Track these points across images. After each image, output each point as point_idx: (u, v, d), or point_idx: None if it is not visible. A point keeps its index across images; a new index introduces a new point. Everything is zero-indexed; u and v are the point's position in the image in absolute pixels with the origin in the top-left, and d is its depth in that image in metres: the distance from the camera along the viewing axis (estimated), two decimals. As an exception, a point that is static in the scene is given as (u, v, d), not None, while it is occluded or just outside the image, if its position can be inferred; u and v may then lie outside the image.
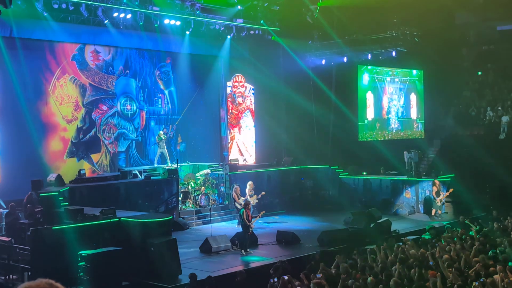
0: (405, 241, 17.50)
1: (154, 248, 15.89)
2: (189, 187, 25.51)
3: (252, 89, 32.08)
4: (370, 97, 32.47)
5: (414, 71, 34.95)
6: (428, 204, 25.75)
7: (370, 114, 32.53)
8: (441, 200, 25.42)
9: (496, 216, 22.04)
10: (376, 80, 32.96)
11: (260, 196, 23.47)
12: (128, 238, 16.23)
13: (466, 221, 20.85)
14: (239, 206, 22.63)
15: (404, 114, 34.67)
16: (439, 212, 25.34)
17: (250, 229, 19.18)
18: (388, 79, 33.70)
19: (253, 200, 23.04)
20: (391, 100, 33.77)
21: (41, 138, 24.74)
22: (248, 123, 32.05)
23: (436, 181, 25.63)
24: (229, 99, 31.14)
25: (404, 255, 15.07)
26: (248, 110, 32.07)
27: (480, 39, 35.29)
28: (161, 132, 27.58)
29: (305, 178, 29.22)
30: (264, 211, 21.43)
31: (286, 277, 12.94)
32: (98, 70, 26.62)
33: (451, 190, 25.66)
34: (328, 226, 22.34)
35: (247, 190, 23.62)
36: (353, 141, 31.54)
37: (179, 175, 24.75)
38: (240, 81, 31.74)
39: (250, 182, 24.10)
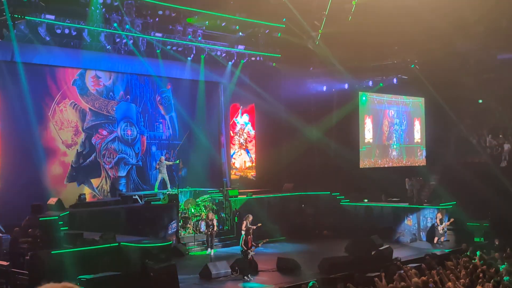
0: (406, 269, 17.36)
1: (154, 273, 15.75)
2: (189, 212, 25.38)
3: (247, 115, 32.22)
4: (368, 121, 32.43)
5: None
6: (432, 231, 25.68)
7: (368, 139, 32.44)
8: (443, 229, 25.34)
9: (498, 245, 21.90)
10: (376, 102, 32.96)
11: (255, 227, 23.13)
12: (127, 263, 16.11)
13: (468, 249, 20.75)
14: (243, 233, 22.57)
15: (407, 140, 34.60)
16: (442, 239, 25.21)
17: (250, 255, 19.00)
18: (390, 102, 33.66)
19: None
20: (392, 125, 33.73)
21: (41, 162, 24.66)
22: (246, 149, 32.07)
23: (443, 210, 25.64)
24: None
25: (406, 283, 14.93)
26: (246, 135, 32.12)
27: (480, 67, 35.33)
28: (162, 157, 27.52)
29: (306, 204, 29.07)
30: (267, 239, 21.25)
31: None
32: (99, 95, 26.63)
33: (451, 220, 25.61)
34: (329, 253, 22.16)
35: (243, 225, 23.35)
36: (354, 168, 31.46)
37: (179, 200, 24.72)
38: (238, 108, 31.84)
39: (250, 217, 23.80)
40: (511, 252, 19.70)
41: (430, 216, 25.87)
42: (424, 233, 26.18)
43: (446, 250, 22.67)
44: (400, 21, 27.65)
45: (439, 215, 25.51)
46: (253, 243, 19.00)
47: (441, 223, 25.37)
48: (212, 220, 23.62)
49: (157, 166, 26.94)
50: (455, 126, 34.81)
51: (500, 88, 34.49)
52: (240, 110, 32.11)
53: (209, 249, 22.90)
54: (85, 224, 20.59)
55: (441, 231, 25.35)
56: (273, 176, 31.56)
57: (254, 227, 22.59)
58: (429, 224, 26.17)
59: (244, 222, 22.90)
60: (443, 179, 31.89)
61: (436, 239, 25.24)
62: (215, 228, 23.55)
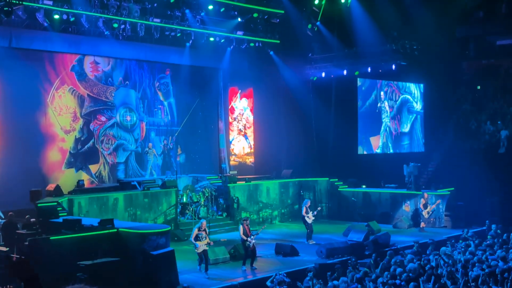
0: (403, 255, 17.47)
1: (152, 259, 15.81)
2: (188, 198, 25.41)
3: (245, 100, 32.26)
4: (367, 107, 32.42)
5: (415, 91, 34.93)
6: (417, 216, 25.82)
7: (367, 125, 32.49)
8: (428, 213, 25.35)
9: (495, 231, 21.99)
10: (374, 88, 32.93)
11: (315, 212, 23.02)
12: (126, 249, 16.16)
13: (467, 235, 20.87)
14: (308, 220, 22.40)
15: (406, 125, 34.60)
16: (423, 225, 25.23)
17: (250, 244, 18.75)
18: (388, 87, 33.63)
19: (309, 217, 22.72)
20: (391, 111, 33.71)
21: (40, 148, 24.72)
22: (245, 135, 32.13)
23: (425, 194, 25.66)
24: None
25: (401, 268, 15.03)
26: (245, 121, 32.19)
27: (480, 53, 35.34)
28: (150, 143, 27.72)
29: (304, 190, 29.11)
30: (265, 225, 21.29)
31: None
32: (97, 81, 26.61)
33: (438, 201, 25.61)
34: (326, 239, 22.25)
35: (304, 211, 23.02)
36: (352, 154, 31.48)
37: (178, 186, 24.77)
38: (236, 92, 31.90)
39: (308, 202, 23.58)
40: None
41: (428, 202, 25.85)
42: (411, 219, 26.28)
43: (444, 236, 22.75)
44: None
45: (423, 200, 25.57)
46: (251, 231, 18.85)
47: (425, 208, 25.42)
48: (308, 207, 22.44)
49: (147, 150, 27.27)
50: (454, 112, 34.85)
51: (499, 74, 34.54)
52: (238, 94, 32.11)
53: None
54: (84, 210, 20.73)
55: (426, 216, 25.37)
56: (272, 162, 31.61)
57: (315, 212, 22.64)
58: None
59: (304, 208, 22.76)
60: (441, 165, 31.97)
61: (422, 224, 25.29)
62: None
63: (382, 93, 33.25)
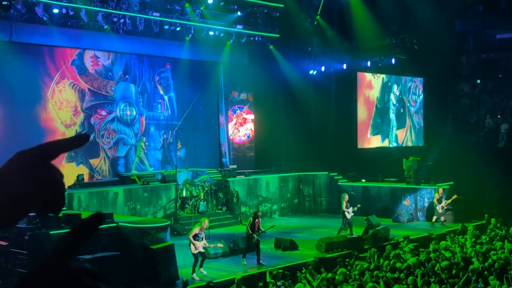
0: (402, 248, 17.52)
1: (152, 253, 15.86)
2: (188, 192, 25.45)
3: (246, 93, 32.34)
4: (366, 101, 32.44)
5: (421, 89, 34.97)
6: (430, 210, 25.80)
7: (366, 119, 32.51)
8: (442, 208, 25.35)
9: (495, 224, 22.02)
10: (374, 82, 32.96)
11: (356, 208, 22.62)
12: (125, 243, 16.22)
13: (465, 229, 20.91)
14: (347, 215, 22.35)
15: (406, 120, 34.65)
16: (442, 218, 25.19)
17: (255, 239, 18.68)
18: (388, 81, 33.66)
19: (349, 212, 22.60)
20: (391, 105, 33.74)
21: (40, 143, 24.55)
22: (245, 129, 32.19)
23: (440, 189, 25.61)
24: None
25: (401, 262, 15.07)
26: (245, 114, 32.26)
27: (479, 47, 35.29)
28: (143, 138, 27.73)
29: (304, 184, 29.18)
30: (275, 225, 20.90)
31: None
32: (97, 75, 26.63)
33: (454, 196, 25.50)
34: (326, 233, 22.30)
35: (344, 205, 22.58)
36: (352, 148, 31.50)
37: (177, 181, 24.82)
38: (236, 87, 31.94)
39: (346, 196, 23.36)
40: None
41: (427, 196, 25.95)
42: (421, 213, 26.29)
43: (443, 230, 22.81)
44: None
45: (437, 195, 25.54)
46: (260, 228, 18.76)
47: (440, 203, 25.38)
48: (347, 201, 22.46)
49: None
50: (453, 106, 34.83)
51: (498, 68, 34.52)
52: (238, 88, 32.11)
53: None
54: (83, 204, 20.79)
55: (440, 211, 25.33)
56: (272, 156, 31.63)
57: (356, 208, 22.39)
58: (426, 204, 26.30)
59: (344, 203, 22.63)
60: (440, 159, 31.97)
61: (434, 218, 25.28)
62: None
63: (381, 86, 33.22)
